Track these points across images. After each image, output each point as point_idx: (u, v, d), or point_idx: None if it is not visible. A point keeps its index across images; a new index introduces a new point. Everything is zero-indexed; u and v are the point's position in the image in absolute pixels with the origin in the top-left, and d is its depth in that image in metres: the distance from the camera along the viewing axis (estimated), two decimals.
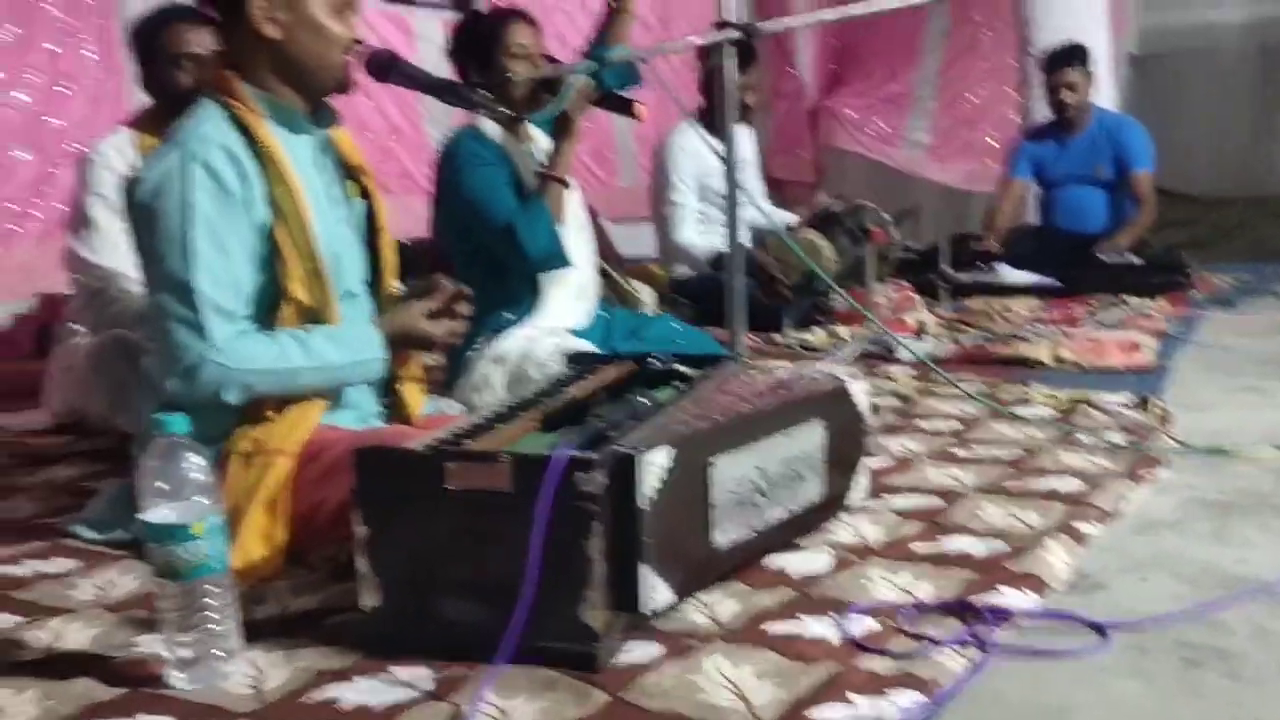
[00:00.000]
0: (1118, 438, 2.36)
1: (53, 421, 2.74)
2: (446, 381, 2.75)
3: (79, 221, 2.58)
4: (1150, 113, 7.62)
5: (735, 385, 1.78)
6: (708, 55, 4.14)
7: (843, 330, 3.68)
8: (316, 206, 1.86)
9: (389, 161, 5.87)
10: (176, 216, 1.73)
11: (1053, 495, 1.98)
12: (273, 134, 1.83)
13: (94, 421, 2.58)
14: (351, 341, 1.82)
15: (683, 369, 1.82)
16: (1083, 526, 1.81)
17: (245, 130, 1.81)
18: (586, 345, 2.65)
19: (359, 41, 1.89)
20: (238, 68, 1.86)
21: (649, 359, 1.95)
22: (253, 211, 1.78)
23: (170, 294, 1.73)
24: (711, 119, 4.01)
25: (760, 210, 4.28)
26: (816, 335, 3.61)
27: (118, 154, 2.56)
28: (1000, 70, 8.51)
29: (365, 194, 2.04)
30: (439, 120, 6.04)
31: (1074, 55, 4.61)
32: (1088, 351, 3.14)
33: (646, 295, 4.09)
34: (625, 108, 2.63)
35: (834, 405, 1.79)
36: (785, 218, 4.19)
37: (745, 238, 4.14)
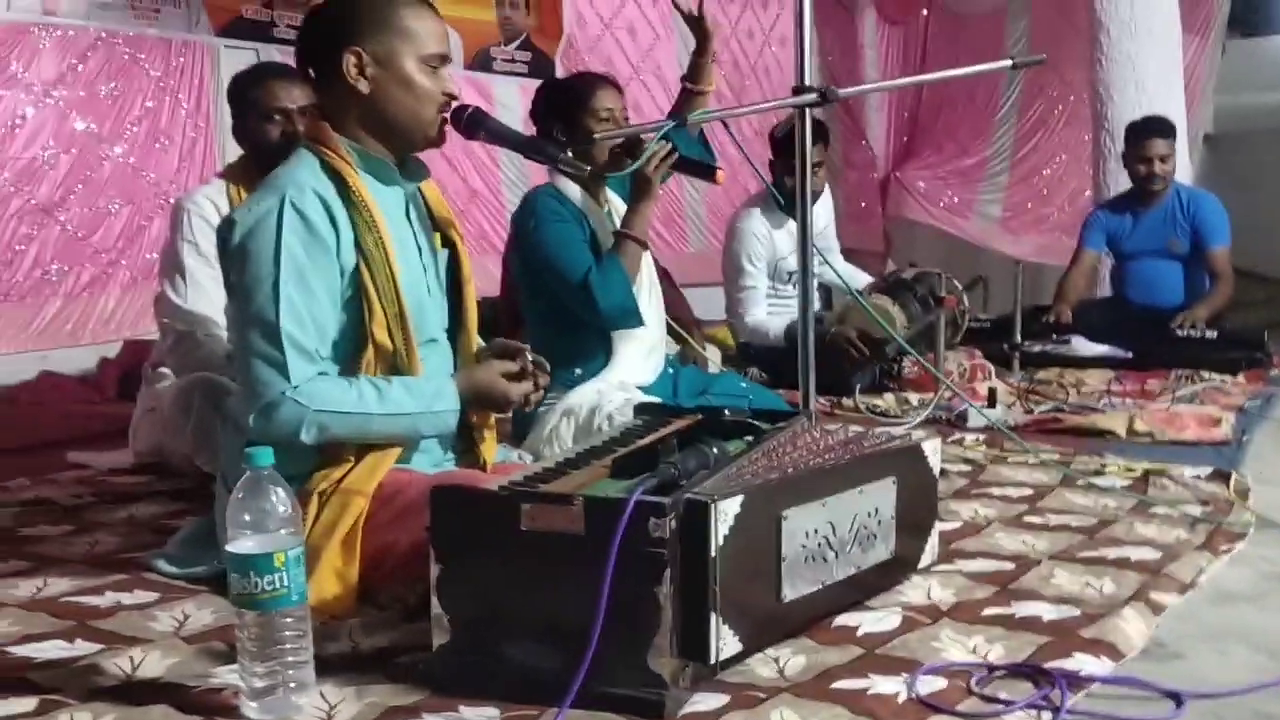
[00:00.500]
0: (1195, 509, 2.31)
1: (136, 461, 2.81)
2: (516, 433, 2.79)
3: (171, 267, 2.67)
4: (1225, 192, 7.51)
5: (806, 440, 1.79)
6: (777, 129, 4.20)
7: (913, 396, 3.65)
8: (403, 255, 1.91)
9: (466, 223, 6.00)
10: (267, 257, 1.79)
11: (1128, 564, 1.95)
12: (364, 183, 1.89)
13: (176, 461, 2.64)
14: (428, 393, 1.85)
15: (753, 422, 1.83)
16: (1159, 596, 1.78)
17: (338, 178, 1.87)
18: (654, 400, 2.68)
19: (453, 96, 1.94)
20: (332, 120, 1.93)
21: (719, 411, 1.97)
22: (341, 256, 1.84)
23: (256, 332, 1.78)
24: (782, 192, 4.07)
25: (835, 269, 4.30)
26: (886, 400, 3.59)
27: (210, 203, 2.65)
28: (1073, 145, 8.49)
29: (451, 245, 2.09)
30: (516, 184, 6.18)
31: (1161, 127, 4.58)
32: (1164, 424, 3.09)
33: (713, 355, 4.13)
34: (704, 172, 2.67)
35: (907, 464, 1.78)
36: (860, 278, 4.21)
37: (817, 297, 4.17)
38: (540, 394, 1.98)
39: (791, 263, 4.08)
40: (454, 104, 1.99)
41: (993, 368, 3.98)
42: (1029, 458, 2.80)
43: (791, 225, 4.14)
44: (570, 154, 2.40)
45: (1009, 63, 2.28)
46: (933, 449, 1.85)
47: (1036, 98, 8.89)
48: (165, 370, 2.71)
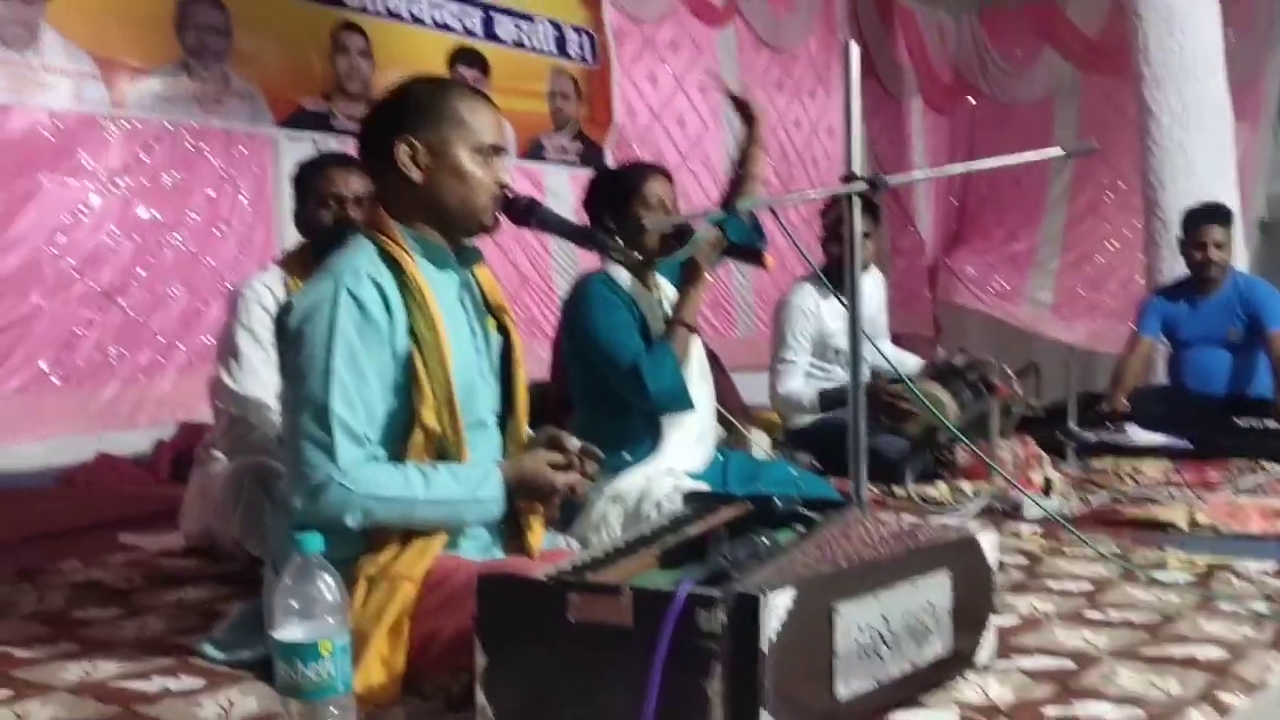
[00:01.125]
0: (1261, 606, 2.24)
1: (186, 544, 2.83)
2: (564, 520, 2.76)
3: (226, 352, 2.71)
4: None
5: (858, 531, 1.76)
6: (830, 210, 4.22)
7: (966, 485, 3.60)
8: (455, 339, 1.93)
9: (516, 308, 6.05)
10: (322, 340, 1.81)
11: (1192, 663, 1.88)
12: (419, 269, 1.92)
13: (225, 545, 2.65)
14: (473, 480, 1.85)
15: (804, 512, 1.80)
16: (1226, 696, 1.72)
17: (395, 264, 1.90)
18: (703, 487, 2.66)
19: (506, 186, 1.98)
20: (390, 208, 1.97)
21: (770, 500, 1.94)
22: (395, 340, 1.86)
23: (306, 414, 1.80)
24: (832, 273, 4.07)
25: (883, 355, 4.27)
26: (939, 489, 3.54)
27: (267, 290, 2.70)
28: (1125, 232, 8.46)
29: (503, 330, 2.11)
30: (566, 270, 6.24)
31: (1218, 214, 4.55)
32: (1226, 516, 3.01)
33: (760, 440, 4.09)
34: (754, 257, 2.69)
35: (962, 556, 1.74)
36: (909, 362, 4.17)
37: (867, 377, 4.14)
38: (587, 484, 1.97)
39: (839, 340, 4.04)
40: (506, 193, 2.02)
41: (1047, 456, 3.92)
42: (1087, 551, 2.73)
43: (835, 301, 4.13)
44: (620, 242, 2.44)
45: (1060, 151, 2.28)
46: (990, 542, 1.81)
47: (1086, 184, 8.89)
48: (217, 454, 2.74)
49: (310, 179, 2.76)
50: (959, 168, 3.04)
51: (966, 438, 3.70)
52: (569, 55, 6.46)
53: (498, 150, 1.97)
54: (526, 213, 2.03)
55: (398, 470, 1.81)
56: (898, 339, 8.42)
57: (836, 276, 4.06)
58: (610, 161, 6.72)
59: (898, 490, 3.54)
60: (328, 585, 1.42)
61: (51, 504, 3.62)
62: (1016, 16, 9.33)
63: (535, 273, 6.27)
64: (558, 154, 6.41)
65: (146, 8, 4.64)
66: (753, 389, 6.30)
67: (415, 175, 1.93)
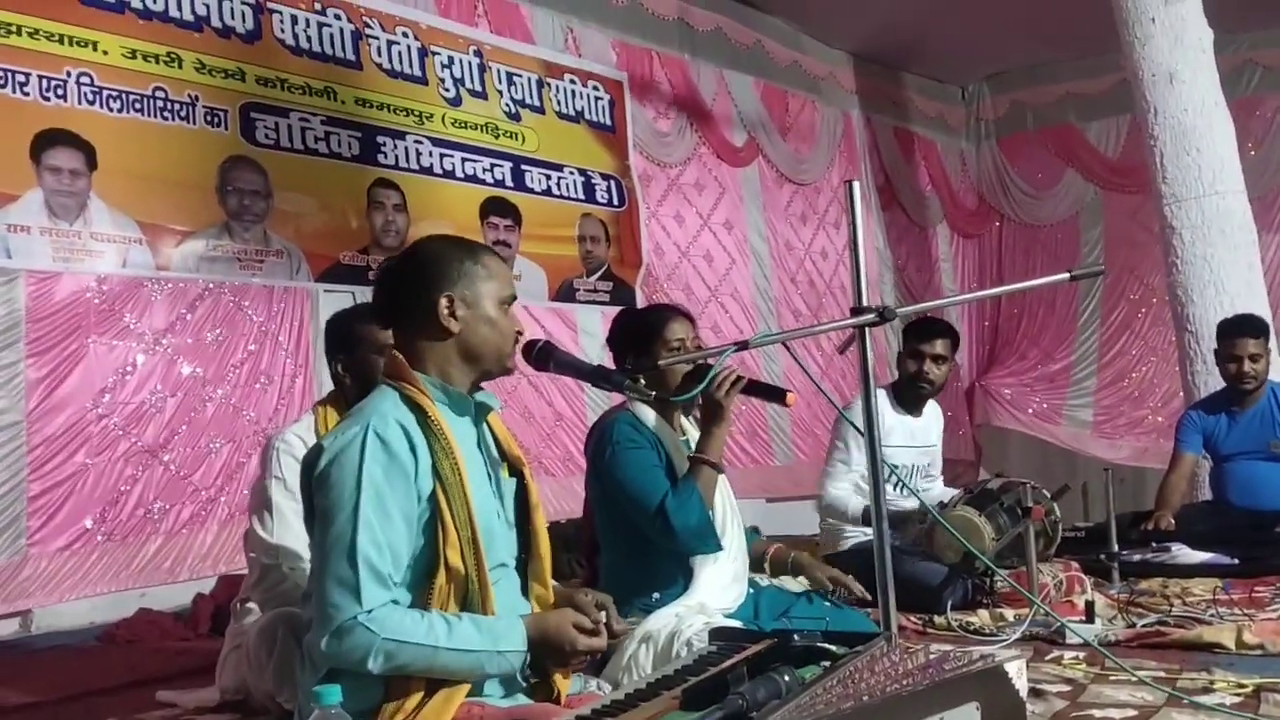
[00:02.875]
0: None
1: (221, 699, 2.83)
2: (594, 662, 2.75)
3: (259, 503, 2.76)
4: None
5: (885, 664, 1.74)
6: (910, 329, 4.19)
7: (1008, 612, 3.53)
8: (476, 482, 1.97)
9: (553, 445, 6.13)
10: (350, 483, 1.86)
11: None
12: (441, 414, 1.98)
13: (259, 698, 2.65)
14: (496, 632, 1.87)
15: (829, 646, 1.79)
16: None
17: (418, 409, 1.96)
18: (733, 624, 2.64)
19: (520, 332, 2.06)
20: (410, 359, 2.04)
21: (795, 635, 1.93)
22: (419, 482, 1.90)
23: (333, 555, 1.83)
24: (905, 391, 4.08)
25: (914, 491, 4.24)
26: (980, 617, 3.47)
27: (299, 440, 2.75)
28: (1161, 347, 8.44)
29: (519, 476, 2.15)
30: (600, 406, 6.30)
31: (1251, 325, 4.54)
32: (1275, 634, 2.93)
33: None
34: (776, 395, 2.72)
35: (989, 686, 1.72)
36: (948, 496, 4.11)
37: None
38: (605, 643, 1.97)
39: (894, 456, 4.00)
40: (524, 338, 2.09)
41: (1090, 580, 3.85)
42: (1131, 675, 2.67)
43: (908, 420, 4.11)
44: (642, 380, 2.48)
45: (1066, 275, 2.32)
46: (1017, 670, 1.78)
47: (1119, 302, 8.92)
48: (251, 605, 2.76)
49: (359, 329, 2.80)
50: (968, 297, 3.09)
51: (1006, 563, 3.69)
52: (597, 200, 6.65)
53: (513, 300, 2.06)
54: (544, 356, 2.09)
55: (423, 617, 1.83)
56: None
57: (910, 396, 4.08)
58: (640, 299, 6.85)
59: (938, 619, 3.48)
60: None
61: (91, 662, 3.65)
62: (1036, 140, 9.52)
63: (570, 410, 6.33)
64: (589, 295, 6.55)
65: (190, 174, 4.87)
66: (793, 518, 6.27)
67: (454, 326, 2.01)
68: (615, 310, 6.70)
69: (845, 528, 3.98)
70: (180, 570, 4.64)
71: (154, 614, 4.18)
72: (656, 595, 2.76)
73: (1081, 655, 2.93)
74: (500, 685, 1.96)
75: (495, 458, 2.12)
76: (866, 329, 2.17)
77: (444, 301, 2.00)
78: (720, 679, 1.66)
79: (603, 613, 2.00)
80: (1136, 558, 4.09)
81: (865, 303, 2.18)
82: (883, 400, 4.07)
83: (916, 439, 4.17)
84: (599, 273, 6.61)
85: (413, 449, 1.91)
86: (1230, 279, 5.59)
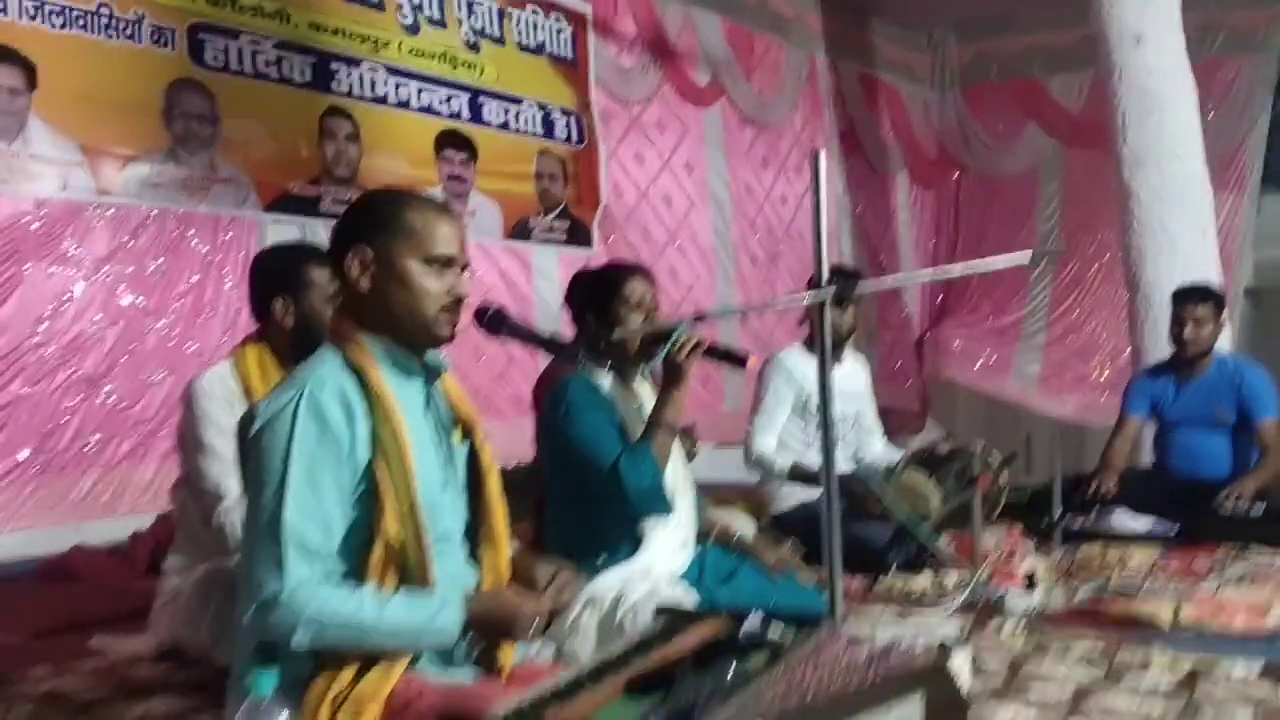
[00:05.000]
0: (1246, 716, 2.20)
1: (155, 649, 2.78)
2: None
3: (192, 445, 2.66)
4: (1267, 345, 7.46)
5: (830, 655, 1.73)
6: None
7: (951, 575, 3.57)
8: (420, 449, 1.90)
9: (504, 386, 6.06)
10: (279, 453, 1.78)
11: None
12: (385, 377, 1.90)
13: (194, 652, 2.61)
14: (430, 610, 1.81)
15: (774, 638, 1.77)
16: None
17: (359, 373, 1.88)
18: (680, 590, 2.63)
19: (460, 298, 1.95)
20: (353, 316, 1.96)
21: (741, 623, 1.92)
22: (357, 451, 1.83)
23: (259, 528, 1.77)
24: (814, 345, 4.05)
25: (865, 453, 4.25)
26: (921, 581, 3.50)
27: (219, 381, 2.66)
28: (1112, 303, 8.50)
29: (471, 440, 2.09)
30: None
31: (1201, 293, 4.55)
32: (1210, 613, 2.98)
33: (746, 527, 4.05)
34: (736, 360, 2.68)
35: (932, 681, 1.71)
36: (889, 456, 4.13)
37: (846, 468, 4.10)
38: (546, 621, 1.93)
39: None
40: (471, 304, 2.01)
41: (1031, 542, 3.90)
42: (1069, 651, 2.71)
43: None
44: (604, 343, 2.41)
45: (1027, 254, 2.29)
46: (962, 661, 1.78)
47: (1072, 257, 8.95)
48: (182, 559, 2.70)
49: (307, 270, 2.68)
50: (926, 274, 3.09)
51: (951, 527, 3.72)
52: (556, 137, 6.52)
53: (452, 262, 1.95)
54: (495, 323, 2.03)
55: (351, 594, 1.78)
56: (886, 414, 8.45)
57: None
58: (597, 240, 6.76)
59: (882, 581, 3.50)
60: None
61: (25, 601, 3.57)
62: (1000, 92, 9.46)
63: (522, 352, 6.27)
64: (545, 234, 6.45)
65: (134, 95, 4.68)
66: (738, 464, 6.25)
67: (364, 283, 1.92)
68: (571, 251, 6.64)
69: (788, 484, 3.98)
70: (119, 504, 4.55)
71: (89, 551, 4.10)
72: (604, 556, 2.73)
73: (1021, 625, 2.96)
74: (439, 657, 1.92)
75: (446, 421, 2.06)
76: (825, 302, 2.13)
77: (353, 257, 1.89)
78: (665, 668, 1.63)
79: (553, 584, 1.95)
80: (1078, 523, 4.13)
81: (825, 277, 2.13)
82: (798, 351, 4.08)
83: (840, 386, 4.15)
84: (556, 212, 6.51)
85: (350, 417, 1.83)
86: (1184, 243, 5.63)
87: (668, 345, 2.68)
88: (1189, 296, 4.56)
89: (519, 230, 6.30)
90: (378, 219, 1.93)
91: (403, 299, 1.90)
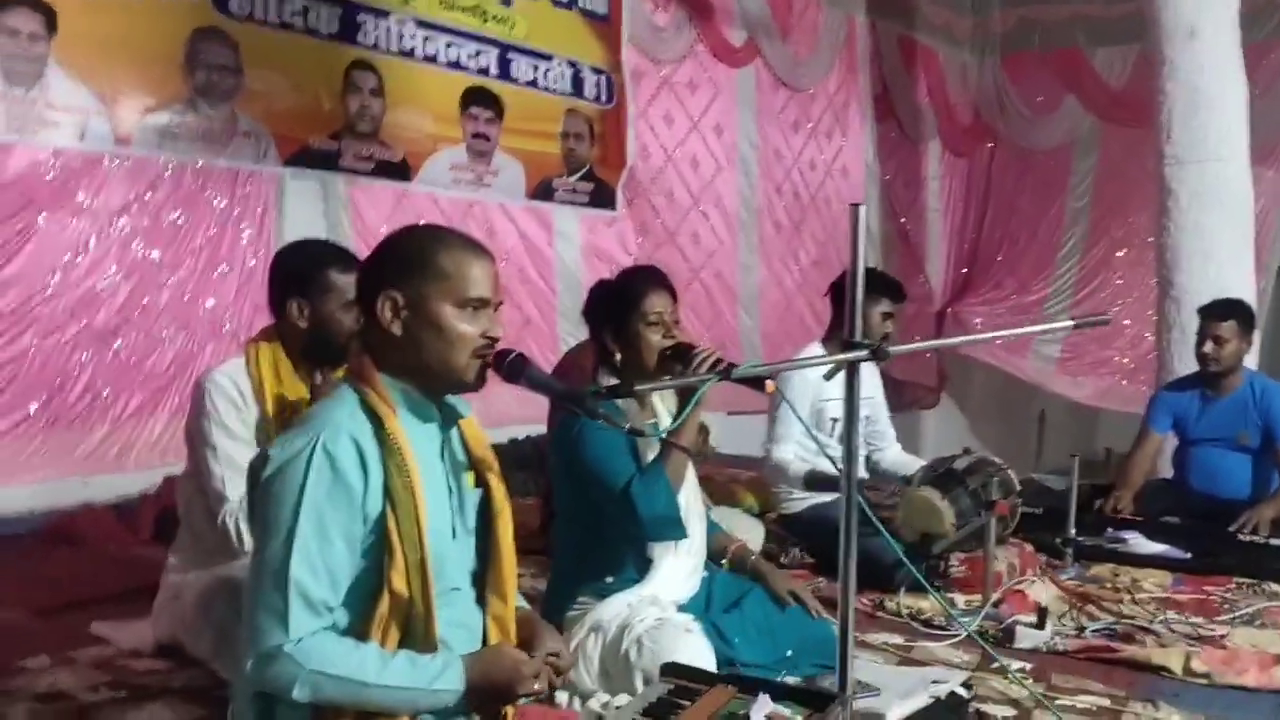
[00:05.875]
0: None
1: (155, 644, 2.76)
2: None
3: (200, 444, 2.61)
4: None
5: None
6: (841, 281, 4.05)
7: (959, 597, 3.53)
8: (432, 498, 1.86)
9: (519, 349, 5.99)
10: (290, 503, 1.75)
11: None
12: (401, 423, 1.85)
13: (194, 655, 2.59)
14: (432, 672, 1.78)
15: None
16: None
17: (376, 419, 1.83)
18: (687, 619, 2.59)
19: (493, 339, 1.90)
20: (374, 356, 1.90)
21: (751, 685, 1.89)
22: (368, 502, 1.79)
23: (264, 577, 1.74)
24: (834, 345, 3.93)
25: (880, 458, 4.18)
26: (929, 603, 3.45)
27: (230, 381, 2.59)
28: (1137, 289, 8.37)
29: (485, 485, 2.04)
30: (570, 313, 6.18)
31: (1228, 309, 4.45)
32: (1222, 665, 2.93)
33: (754, 534, 4.01)
34: (754, 382, 2.61)
35: None
36: (910, 467, 4.05)
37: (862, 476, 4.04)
38: (545, 689, 1.90)
39: (834, 409, 3.90)
40: (497, 346, 1.95)
41: (1043, 562, 3.85)
42: (1077, 701, 2.68)
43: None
44: (615, 384, 2.35)
45: (1071, 324, 2.20)
46: None
47: (1101, 238, 8.81)
48: (183, 561, 2.67)
49: (328, 276, 2.59)
50: (957, 340, 2.96)
51: (964, 547, 3.66)
52: (584, 95, 6.39)
53: (485, 303, 1.90)
54: (514, 372, 1.95)
55: (354, 650, 1.75)
56: (901, 387, 8.38)
57: (837, 349, 3.93)
58: (621, 202, 6.65)
59: (888, 604, 3.46)
60: None
61: (27, 567, 3.57)
62: (1040, 61, 9.23)
63: (539, 315, 6.21)
64: (568, 195, 6.35)
65: (155, 44, 4.58)
66: (751, 435, 6.18)
67: (395, 329, 1.86)
68: (595, 213, 6.53)
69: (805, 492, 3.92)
70: (127, 460, 4.53)
71: (96, 512, 4.09)
72: (610, 579, 2.69)
73: (1028, 668, 2.93)
74: (438, 713, 1.89)
75: (461, 464, 2.01)
76: (857, 365, 2.05)
77: (386, 301, 1.84)
78: None
79: (551, 656, 1.92)
80: (1090, 543, 4.08)
81: (858, 336, 2.05)
82: (817, 349, 3.97)
83: None
84: (580, 173, 6.40)
85: (364, 466, 1.79)
86: (1219, 249, 5.50)
87: (687, 364, 2.62)
88: (1214, 313, 4.46)
89: (542, 190, 6.20)
90: (410, 261, 1.87)
91: (436, 345, 1.86)
